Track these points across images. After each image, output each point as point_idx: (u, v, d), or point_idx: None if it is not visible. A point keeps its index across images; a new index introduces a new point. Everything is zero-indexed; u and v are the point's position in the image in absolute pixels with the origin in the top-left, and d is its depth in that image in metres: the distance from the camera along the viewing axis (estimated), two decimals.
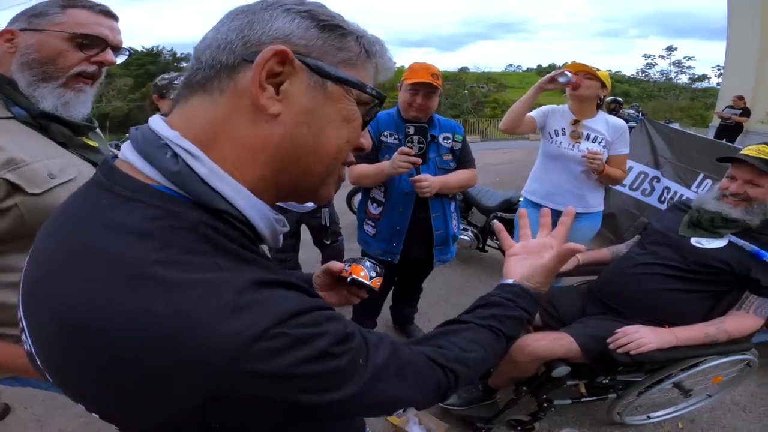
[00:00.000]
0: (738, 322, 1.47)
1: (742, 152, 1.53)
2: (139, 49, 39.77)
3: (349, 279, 0.76)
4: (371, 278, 0.75)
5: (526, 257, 0.74)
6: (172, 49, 41.88)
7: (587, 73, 1.97)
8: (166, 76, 2.03)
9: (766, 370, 2.17)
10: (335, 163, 0.47)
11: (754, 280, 1.42)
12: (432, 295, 3.03)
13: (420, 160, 1.62)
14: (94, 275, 0.35)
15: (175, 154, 0.39)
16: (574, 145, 2.04)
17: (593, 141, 2.04)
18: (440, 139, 1.83)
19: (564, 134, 2.08)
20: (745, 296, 1.49)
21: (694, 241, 1.55)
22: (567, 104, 2.13)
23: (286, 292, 0.39)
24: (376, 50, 0.48)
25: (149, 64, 35.52)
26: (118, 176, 0.40)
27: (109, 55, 0.94)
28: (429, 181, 1.71)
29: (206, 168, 0.39)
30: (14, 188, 0.79)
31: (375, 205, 1.90)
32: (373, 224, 1.91)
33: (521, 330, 0.68)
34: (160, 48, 41.53)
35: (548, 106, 2.19)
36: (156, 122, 0.42)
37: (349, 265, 0.77)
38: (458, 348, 0.58)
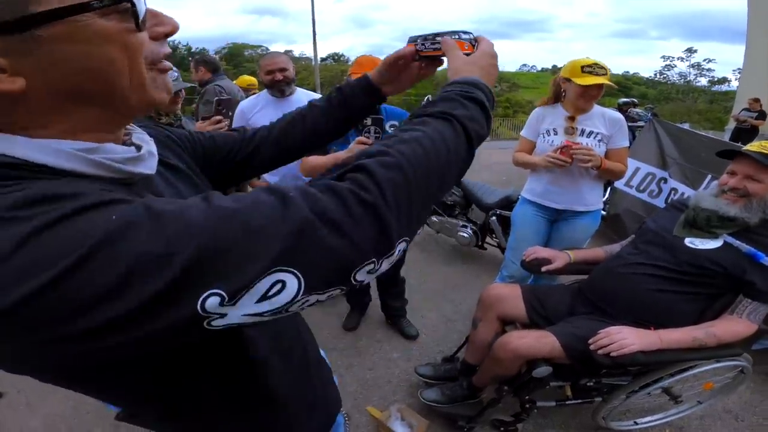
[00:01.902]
0: (729, 326, 1.41)
1: (744, 148, 1.48)
2: None
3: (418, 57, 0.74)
4: (473, 46, 0.65)
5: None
6: (187, 44, 42.21)
7: (600, 85, 1.88)
8: None
9: (760, 378, 2.10)
10: (133, 79, 0.42)
11: (749, 283, 1.36)
12: (428, 291, 3.01)
13: None
14: None
15: None
16: (565, 142, 1.98)
17: (588, 136, 1.98)
18: (387, 127, 1.90)
19: (556, 133, 2.02)
20: (738, 300, 1.43)
21: (688, 241, 1.49)
22: (560, 102, 2.08)
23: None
24: None
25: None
26: None
27: None
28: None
29: None
30: None
31: None
32: None
33: (485, 118, 0.55)
34: (176, 42, 41.76)
35: (538, 110, 2.15)
36: None
37: (434, 41, 0.69)
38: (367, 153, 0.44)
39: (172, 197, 0.52)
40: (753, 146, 1.47)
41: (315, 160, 1.85)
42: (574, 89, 1.94)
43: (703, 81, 38.81)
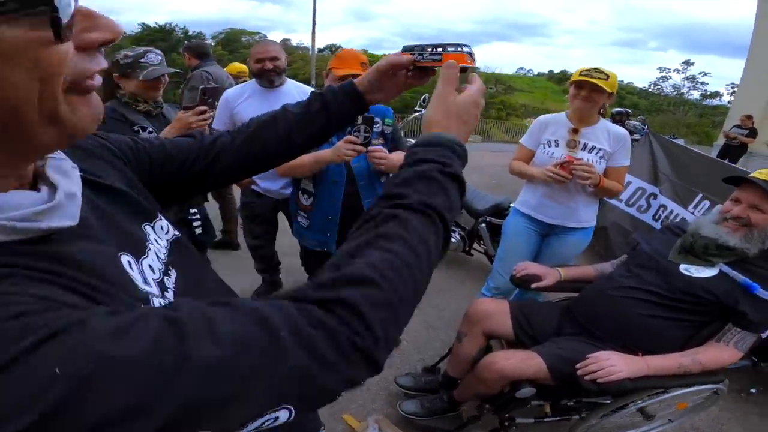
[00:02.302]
0: (715, 354, 1.40)
1: (751, 175, 1.44)
2: (152, 24, 39.20)
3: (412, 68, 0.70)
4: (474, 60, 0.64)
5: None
6: (184, 27, 41.19)
7: (595, 84, 1.79)
8: (129, 53, 1.72)
9: (731, 396, 2.10)
10: (43, 107, 0.31)
11: (741, 313, 1.34)
12: None
13: (365, 149, 1.64)
14: None
15: None
16: (566, 156, 1.91)
17: (590, 151, 1.91)
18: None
19: (557, 145, 1.96)
20: (727, 328, 1.41)
21: (683, 268, 1.47)
22: (565, 111, 2.01)
23: None
24: None
25: (160, 41, 34.31)
26: None
27: None
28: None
29: None
30: None
31: (306, 196, 1.88)
32: (305, 215, 1.90)
33: (460, 194, 0.53)
34: (173, 25, 40.61)
35: (542, 118, 2.08)
36: None
37: (434, 53, 0.66)
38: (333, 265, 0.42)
39: (106, 232, 0.42)
40: (761, 173, 1.43)
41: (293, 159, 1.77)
42: (571, 92, 1.90)
43: (696, 94, 39.41)
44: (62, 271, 0.33)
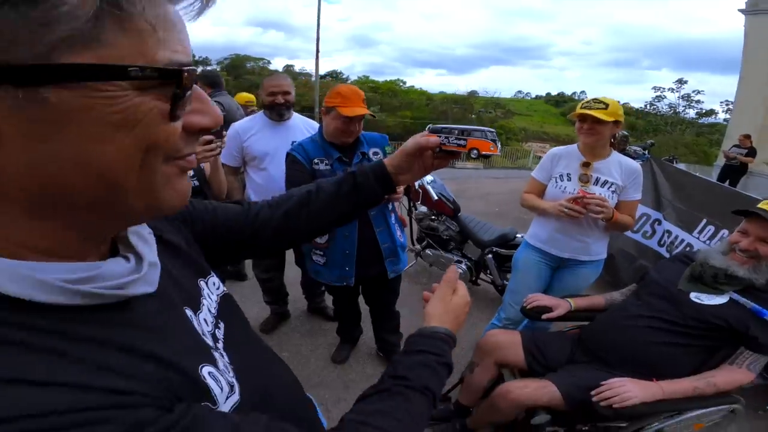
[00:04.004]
0: (729, 376, 1.42)
1: (759, 206, 1.46)
2: None
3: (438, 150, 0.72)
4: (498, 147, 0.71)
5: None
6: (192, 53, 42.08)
7: (595, 117, 1.80)
8: None
9: (745, 413, 2.06)
10: (142, 180, 0.32)
11: (752, 338, 1.37)
12: (421, 324, 2.93)
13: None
14: None
15: None
16: (579, 191, 1.90)
17: (603, 185, 1.90)
18: (370, 155, 1.89)
19: (569, 179, 1.95)
20: (739, 351, 1.43)
21: (694, 296, 1.49)
22: (577, 144, 2.00)
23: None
24: None
25: None
26: None
27: None
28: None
29: None
30: None
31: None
32: (321, 253, 1.93)
33: (448, 375, 0.67)
34: None
35: (554, 151, 2.07)
36: None
37: (460, 138, 0.70)
38: None
39: (171, 288, 0.46)
40: (767, 204, 1.46)
41: None
42: (576, 126, 1.91)
43: (692, 113, 39.69)
44: (136, 346, 0.34)
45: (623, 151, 5.92)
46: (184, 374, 0.37)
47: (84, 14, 0.26)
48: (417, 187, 3.19)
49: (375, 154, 1.89)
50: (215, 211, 0.67)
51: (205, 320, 0.48)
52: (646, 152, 6.12)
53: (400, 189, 1.80)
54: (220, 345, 0.48)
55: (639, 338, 1.51)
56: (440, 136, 0.71)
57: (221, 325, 0.52)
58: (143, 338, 0.36)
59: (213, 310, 0.52)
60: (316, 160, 1.81)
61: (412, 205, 3.60)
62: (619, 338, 1.56)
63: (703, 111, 40.19)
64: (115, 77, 0.28)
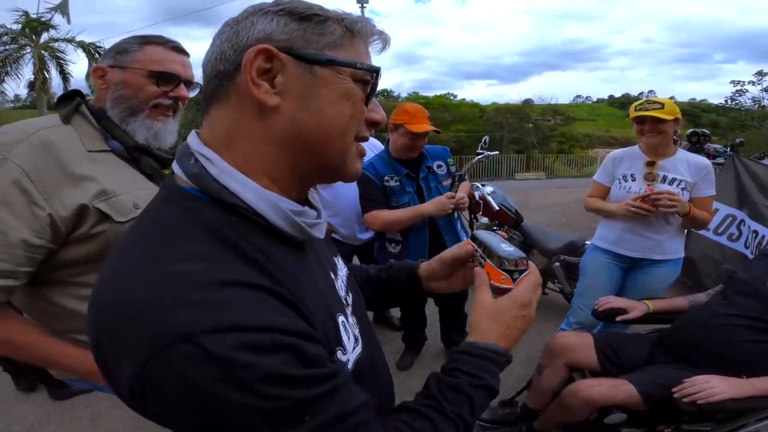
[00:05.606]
0: None
1: None
2: None
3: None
4: (514, 280, 0.59)
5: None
6: None
7: (653, 117, 1.80)
8: None
9: None
10: (345, 140, 0.49)
11: None
12: None
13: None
14: (120, 271, 0.41)
15: (196, 160, 0.46)
16: (647, 189, 1.88)
17: (670, 183, 1.87)
18: (435, 168, 1.99)
19: (634, 180, 1.93)
20: None
21: None
22: (638, 144, 1.98)
23: (257, 299, 0.39)
24: (360, 27, 0.49)
25: None
26: (168, 183, 0.49)
27: (182, 90, 1.01)
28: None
29: (216, 167, 0.45)
30: (104, 216, 0.88)
31: (393, 244, 2.05)
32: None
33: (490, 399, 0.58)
34: None
35: (615, 154, 2.07)
36: (190, 136, 0.50)
37: (482, 256, 0.65)
38: None
39: (321, 250, 0.59)
40: None
41: (390, 215, 1.92)
42: (635, 129, 1.91)
43: None
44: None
45: (701, 150, 5.52)
46: (332, 318, 0.50)
47: (339, 31, 0.47)
48: (477, 198, 3.22)
49: (439, 167, 1.99)
50: None
51: (340, 286, 0.61)
52: (728, 150, 5.63)
53: (463, 195, 1.89)
54: (349, 310, 0.60)
55: (726, 336, 1.45)
56: (475, 250, 0.67)
57: (350, 294, 0.64)
58: (312, 279, 0.50)
59: (344, 282, 0.64)
60: (386, 178, 1.95)
61: (473, 217, 3.61)
62: (704, 336, 1.50)
63: None
64: (350, 66, 0.47)
